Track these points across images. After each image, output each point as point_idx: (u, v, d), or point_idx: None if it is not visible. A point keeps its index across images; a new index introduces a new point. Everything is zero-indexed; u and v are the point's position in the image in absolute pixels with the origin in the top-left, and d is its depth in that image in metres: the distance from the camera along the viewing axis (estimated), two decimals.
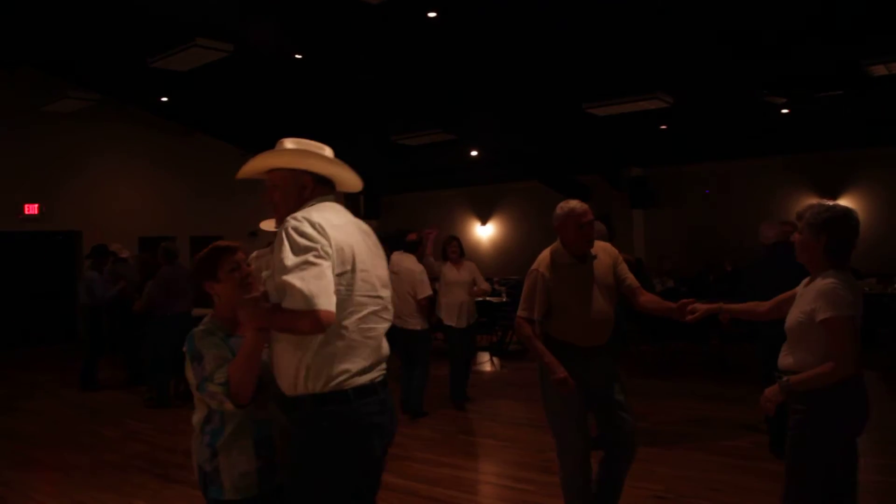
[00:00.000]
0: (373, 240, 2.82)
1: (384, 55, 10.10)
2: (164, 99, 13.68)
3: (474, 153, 14.99)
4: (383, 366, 2.71)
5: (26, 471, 6.20)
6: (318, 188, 2.78)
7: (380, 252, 2.82)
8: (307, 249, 2.43)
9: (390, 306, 2.77)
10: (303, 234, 2.46)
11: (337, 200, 2.83)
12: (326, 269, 2.44)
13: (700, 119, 12.03)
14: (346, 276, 2.55)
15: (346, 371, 2.53)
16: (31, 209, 13.66)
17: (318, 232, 2.49)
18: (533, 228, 16.47)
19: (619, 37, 8.92)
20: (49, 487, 5.77)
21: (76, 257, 14.30)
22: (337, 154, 2.88)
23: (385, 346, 2.74)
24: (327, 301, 2.40)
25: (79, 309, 10.98)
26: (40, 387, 10.13)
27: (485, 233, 18.07)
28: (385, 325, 2.72)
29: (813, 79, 9.70)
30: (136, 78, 12.21)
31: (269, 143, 2.85)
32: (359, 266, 2.60)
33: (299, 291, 2.35)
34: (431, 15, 8.50)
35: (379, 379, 2.65)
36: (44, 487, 5.78)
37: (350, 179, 2.88)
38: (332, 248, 2.50)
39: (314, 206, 2.69)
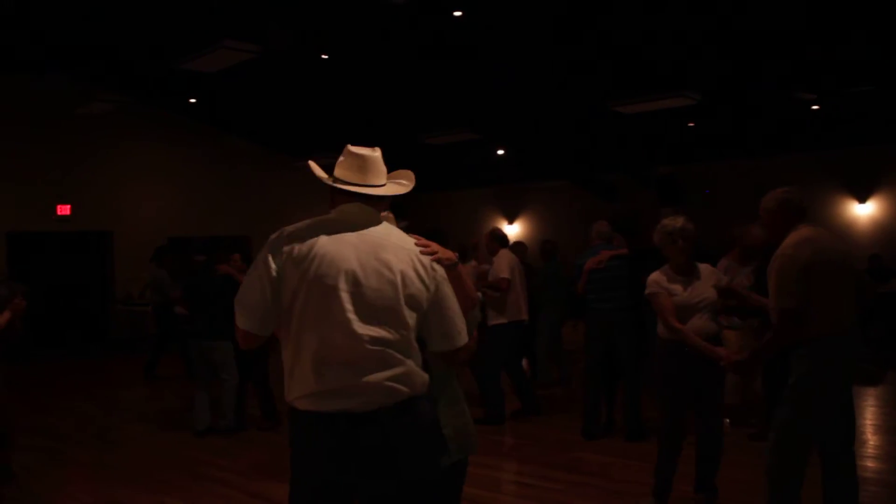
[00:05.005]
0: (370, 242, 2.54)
1: (410, 55, 10.11)
2: (193, 100, 13.80)
3: (501, 152, 14.97)
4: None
5: (61, 467, 6.29)
6: (337, 197, 2.66)
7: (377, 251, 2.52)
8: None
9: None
10: None
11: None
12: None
13: (728, 116, 11.92)
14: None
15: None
16: (64, 210, 13.86)
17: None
18: (560, 227, 16.39)
19: (646, 34, 8.87)
20: (84, 484, 5.85)
21: (107, 257, 14.49)
22: None
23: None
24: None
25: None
26: (74, 385, 10.27)
27: (512, 232, 18.03)
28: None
29: (843, 74, 9.58)
30: (164, 80, 12.34)
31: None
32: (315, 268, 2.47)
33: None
34: (457, 14, 8.50)
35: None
36: (79, 484, 5.86)
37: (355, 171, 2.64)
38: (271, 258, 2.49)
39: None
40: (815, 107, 10.84)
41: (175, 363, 10.45)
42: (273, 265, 2.45)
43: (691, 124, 12.37)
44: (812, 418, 3.86)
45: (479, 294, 3.72)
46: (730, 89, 10.58)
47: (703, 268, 4.71)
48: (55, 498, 5.52)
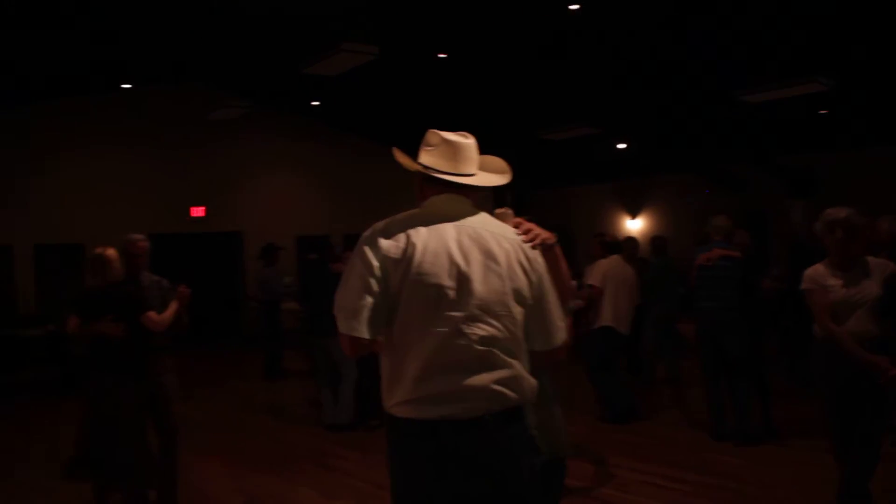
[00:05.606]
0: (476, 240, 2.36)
1: (528, 50, 10.07)
2: (316, 103, 14.21)
3: (622, 146, 14.71)
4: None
5: (201, 455, 6.59)
6: (427, 188, 2.50)
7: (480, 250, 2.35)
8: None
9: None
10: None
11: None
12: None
13: (864, 102, 11.28)
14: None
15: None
16: (198, 212, 14.55)
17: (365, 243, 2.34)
18: (684, 221, 15.95)
19: (773, 19, 8.51)
20: (223, 470, 6.19)
21: (237, 256, 15.09)
22: (483, 151, 2.64)
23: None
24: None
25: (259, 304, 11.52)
26: (208, 379, 10.79)
27: (635, 227, 17.70)
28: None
29: None
30: (288, 84, 12.76)
31: (417, 142, 2.66)
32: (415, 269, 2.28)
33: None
34: (574, 7, 8.41)
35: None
36: (219, 470, 6.20)
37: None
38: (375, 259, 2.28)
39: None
40: None
41: (298, 358, 10.84)
42: (375, 262, 2.26)
43: (823, 112, 11.79)
44: None
45: (575, 282, 3.62)
46: (866, 73, 10.00)
47: (874, 263, 4.27)
48: (199, 483, 5.83)
